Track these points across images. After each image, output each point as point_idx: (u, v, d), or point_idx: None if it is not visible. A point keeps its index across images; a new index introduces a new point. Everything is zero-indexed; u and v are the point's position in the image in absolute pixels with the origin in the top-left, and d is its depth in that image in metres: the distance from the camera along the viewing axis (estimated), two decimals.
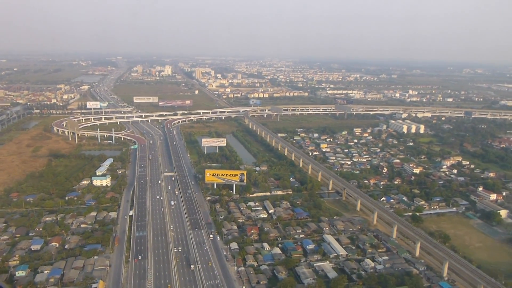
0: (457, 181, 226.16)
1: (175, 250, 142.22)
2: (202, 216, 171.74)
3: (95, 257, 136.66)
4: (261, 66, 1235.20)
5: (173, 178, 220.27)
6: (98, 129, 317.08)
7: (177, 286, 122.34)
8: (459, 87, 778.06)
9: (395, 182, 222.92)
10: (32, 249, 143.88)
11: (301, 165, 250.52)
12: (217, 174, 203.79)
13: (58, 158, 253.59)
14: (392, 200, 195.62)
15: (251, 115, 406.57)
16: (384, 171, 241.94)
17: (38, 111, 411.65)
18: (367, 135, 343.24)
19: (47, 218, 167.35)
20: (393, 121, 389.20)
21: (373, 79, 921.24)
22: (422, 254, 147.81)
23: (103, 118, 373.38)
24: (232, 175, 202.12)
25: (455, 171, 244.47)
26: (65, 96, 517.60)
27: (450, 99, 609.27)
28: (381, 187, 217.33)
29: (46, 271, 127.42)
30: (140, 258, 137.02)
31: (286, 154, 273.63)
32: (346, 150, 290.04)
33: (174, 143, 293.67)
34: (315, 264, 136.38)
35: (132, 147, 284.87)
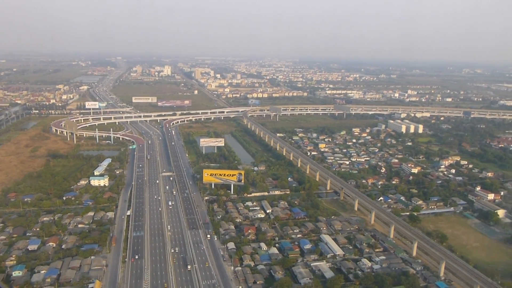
0: (455, 181, 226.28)
1: (172, 251, 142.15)
2: (199, 216, 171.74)
3: (92, 257, 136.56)
4: (260, 66, 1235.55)
5: (171, 178, 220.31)
6: (97, 129, 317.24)
7: (174, 286, 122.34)
8: (459, 87, 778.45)
9: (393, 182, 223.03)
10: (29, 249, 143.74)
11: (299, 165, 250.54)
12: (215, 174, 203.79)
13: (56, 158, 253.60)
14: (390, 200, 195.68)
15: (250, 115, 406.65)
16: (382, 171, 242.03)
17: (37, 111, 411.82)
18: (365, 135, 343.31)
19: (45, 218, 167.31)
20: (392, 121, 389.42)
21: (373, 79, 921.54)
22: (419, 254, 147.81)
23: (101, 118, 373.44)
24: (230, 175, 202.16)
25: (453, 170, 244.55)
26: (64, 97, 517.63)
27: (449, 99, 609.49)
28: (379, 187, 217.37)
29: (43, 271, 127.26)
30: (137, 258, 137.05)
31: (284, 154, 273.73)
32: (345, 150, 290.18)
33: (173, 143, 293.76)
34: (312, 264, 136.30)
35: (131, 147, 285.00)
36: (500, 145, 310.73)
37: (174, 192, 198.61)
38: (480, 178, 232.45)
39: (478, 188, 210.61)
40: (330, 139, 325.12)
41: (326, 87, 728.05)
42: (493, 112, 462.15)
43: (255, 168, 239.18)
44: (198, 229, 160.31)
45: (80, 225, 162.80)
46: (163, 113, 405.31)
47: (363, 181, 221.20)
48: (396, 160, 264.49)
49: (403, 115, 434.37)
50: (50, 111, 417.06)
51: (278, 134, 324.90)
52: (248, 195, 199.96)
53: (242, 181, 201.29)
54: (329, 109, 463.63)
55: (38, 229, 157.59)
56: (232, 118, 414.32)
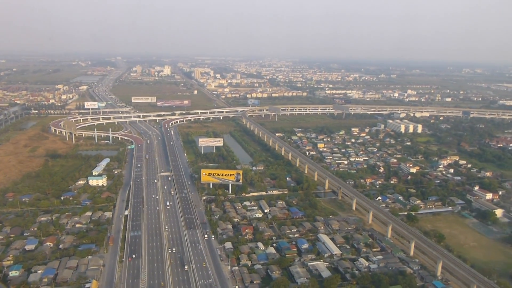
0: (454, 180, 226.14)
1: (170, 251, 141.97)
2: (197, 216, 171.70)
3: (89, 257, 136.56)
4: (260, 66, 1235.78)
5: (169, 178, 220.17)
6: (95, 129, 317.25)
7: (171, 286, 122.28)
8: (458, 87, 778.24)
9: (392, 182, 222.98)
10: (27, 249, 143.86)
11: (297, 165, 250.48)
12: (213, 174, 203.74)
13: (55, 158, 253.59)
14: (388, 200, 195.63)
15: (249, 115, 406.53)
16: (381, 171, 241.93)
17: (36, 111, 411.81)
18: (364, 134, 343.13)
19: (42, 218, 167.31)
20: (391, 121, 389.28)
21: (372, 79, 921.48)
22: (416, 253, 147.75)
23: (101, 118, 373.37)
24: (228, 174, 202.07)
25: (451, 170, 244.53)
26: (63, 97, 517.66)
27: (449, 99, 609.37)
28: (377, 186, 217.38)
29: (39, 271, 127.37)
30: (134, 257, 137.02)
31: (283, 154, 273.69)
32: (343, 150, 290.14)
33: (171, 143, 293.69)
34: (309, 264, 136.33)
35: (129, 147, 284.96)
36: (499, 145, 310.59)
37: (172, 192, 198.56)
38: (478, 177, 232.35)
39: (476, 188, 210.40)
40: (329, 139, 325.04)
41: (325, 87, 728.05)
42: (493, 112, 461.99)
43: (254, 168, 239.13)
44: (196, 229, 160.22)
45: (77, 225, 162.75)
46: (162, 113, 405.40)
47: (362, 180, 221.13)
48: (395, 160, 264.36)
49: (402, 115, 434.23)
50: (49, 111, 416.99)
51: (277, 134, 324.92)
52: (246, 195, 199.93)
53: (240, 181, 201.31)
54: (329, 109, 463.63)
55: (35, 229, 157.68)
56: (231, 118, 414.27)
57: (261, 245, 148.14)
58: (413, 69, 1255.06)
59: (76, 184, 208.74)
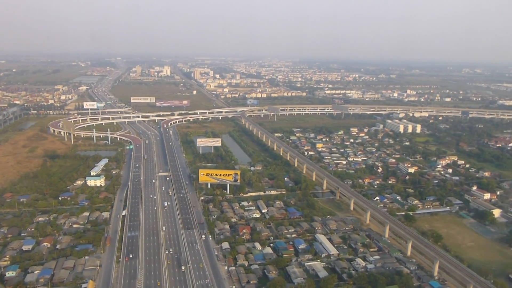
0: (452, 180, 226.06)
1: (167, 252, 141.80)
2: (195, 216, 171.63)
3: (86, 257, 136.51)
4: (260, 66, 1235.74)
5: (167, 178, 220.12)
6: (94, 129, 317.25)
7: (167, 286, 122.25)
8: (458, 86, 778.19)
9: (390, 182, 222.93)
10: (24, 249, 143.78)
11: (296, 165, 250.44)
12: (211, 174, 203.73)
13: (53, 158, 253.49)
14: (385, 200, 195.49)
15: (248, 115, 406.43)
16: (379, 171, 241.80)
17: (35, 112, 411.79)
18: (363, 134, 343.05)
19: (40, 219, 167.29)
20: (389, 121, 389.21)
21: (372, 79, 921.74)
22: (414, 253, 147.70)
23: (99, 119, 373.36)
24: (226, 174, 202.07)
25: (450, 170, 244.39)
26: (62, 97, 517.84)
27: (448, 99, 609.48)
28: (376, 186, 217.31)
29: (36, 271, 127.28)
30: (131, 257, 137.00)
31: (281, 154, 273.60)
32: (342, 150, 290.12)
33: (170, 143, 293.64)
34: (306, 264, 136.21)
35: (128, 147, 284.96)
36: (497, 145, 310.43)
37: (170, 193, 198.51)
38: (476, 177, 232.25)
39: (475, 188, 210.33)
40: (327, 139, 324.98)
41: (325, 87, 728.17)
42: (492, 112, 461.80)
43: (252, 168, 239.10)
44: (193, 229, 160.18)
45: (75, 225, 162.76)
46: (161, 113, 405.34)
47: (360, 181, 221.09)
48: (393, 160, 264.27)
49: (401, 115, 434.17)
50: (48, 111, 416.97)
51: (276, 134, 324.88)
52: (244, 195, 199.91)
53: (238, 181, 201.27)
54: (328, 109, 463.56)
55: (33, 229, 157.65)
56: (230, 118, 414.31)
57: (258, 245, 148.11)
58: (413, 69, 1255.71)
59: (74, 184, 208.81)
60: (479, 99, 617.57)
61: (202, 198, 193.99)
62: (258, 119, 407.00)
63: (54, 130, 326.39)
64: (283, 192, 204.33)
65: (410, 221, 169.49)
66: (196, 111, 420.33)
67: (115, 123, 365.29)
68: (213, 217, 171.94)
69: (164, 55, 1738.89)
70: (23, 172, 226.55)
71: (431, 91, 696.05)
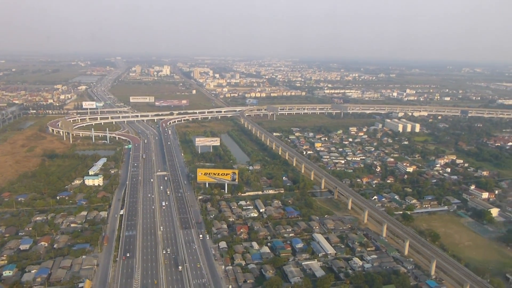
0: (450, 179, 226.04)
1: (164, 252, 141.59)
2: (192, 216, 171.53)
3: (83, 256, 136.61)
4: (260, 66, 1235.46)
5: (165, 177, 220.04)
6: (93, 129, 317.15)
7: (164, 285, 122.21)
8: (458, 86, 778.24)
9: (388, 181, 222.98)
10: (21, 248, 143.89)
11: (294, 164, 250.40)
12: (209, 173, 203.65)
13: (52, 158, 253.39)
14: (384, 199, 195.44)
15: (247, 114, 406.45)
16: (378, 170, 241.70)
17: (34, 111, 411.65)
18: (362, 134, 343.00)
19: (38, 218, 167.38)
20: (389, 120, 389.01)
21: (372, 78, 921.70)
22: (411, 252, 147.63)
23: (98, 118, 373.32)
24: (224, 174, 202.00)
25: (448, 169, 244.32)
26: (62, 97, 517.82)
27: (448, 98, 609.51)
28: (374, 185, 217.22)
29: (33, 271, 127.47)
30: (128, 256, 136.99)
31: (280, 153, 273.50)
32: (341, 149, 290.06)
33: (169, 143, 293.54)
34: (303, 263, 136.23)
35: (126, 146, 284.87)
36: (496, 144, 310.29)
37: (168, 192, 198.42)
38: (475, 177, 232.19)
39: (473, 187, 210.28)
40: (326, 138, 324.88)
41: (324, 86, 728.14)
42: (491, 111, 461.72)
43: (250, 168, 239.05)
44: (191, 229, 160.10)
45: (72, 225, 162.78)
46: (160, 113, 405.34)
47: (358, 180, 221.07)
48: (392, 159, 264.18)
49: (400, 114, 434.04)
50: (47, 111, 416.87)
51: (274, 134, 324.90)
52: (242, 194, 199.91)
53: (236, 181, 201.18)
54: (327, 109, 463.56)
55: (30, 228, 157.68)
56: (229, 118, 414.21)
57: (255, 245, 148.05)
58: (413, 68, 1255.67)
59: (72, 184, 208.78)
60: (479, 98, 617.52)
61: (200, 197, 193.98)
62: (257, 119, 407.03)
63: (53, 130, 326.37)
64: (281, 192, 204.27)
65: (408, 221, 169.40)
66: (195, 111, 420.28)
67: (114, 123, 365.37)
68: (211, 216, 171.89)
69: (164, 55, 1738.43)
70: (22, 171, 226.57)
71: (431, 91, 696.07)
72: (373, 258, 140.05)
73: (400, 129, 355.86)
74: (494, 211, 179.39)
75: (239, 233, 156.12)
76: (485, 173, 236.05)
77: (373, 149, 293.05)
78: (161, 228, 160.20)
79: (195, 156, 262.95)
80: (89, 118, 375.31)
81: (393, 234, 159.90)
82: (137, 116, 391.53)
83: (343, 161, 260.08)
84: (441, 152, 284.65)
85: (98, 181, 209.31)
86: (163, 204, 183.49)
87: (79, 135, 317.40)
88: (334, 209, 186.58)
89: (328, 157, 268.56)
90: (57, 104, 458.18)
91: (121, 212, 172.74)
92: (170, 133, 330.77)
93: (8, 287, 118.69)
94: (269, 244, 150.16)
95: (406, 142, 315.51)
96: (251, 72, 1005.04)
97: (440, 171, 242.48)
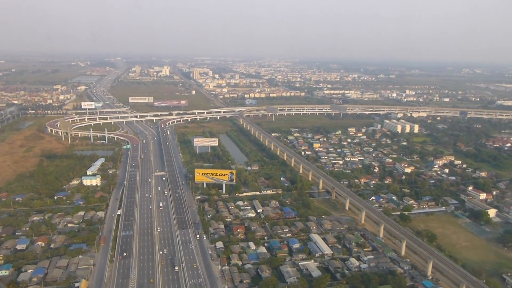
0: (448, 180, 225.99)
1: (161, 253, 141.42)
2: (190, 216, 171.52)
3: (80, 256, 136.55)
4: (259, 67, 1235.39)
5: (163, 178, 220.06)
6: (91, 129, 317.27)
7: (160, 285, 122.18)
8: (457, 87, 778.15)
9: (386, 182, 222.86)
10: (18, 248, 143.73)
11: (292, 165, 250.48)
12: (207, 173, 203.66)
13: (50, 158, 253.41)
14: (381, 200, 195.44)
15: (246, 115, 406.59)
16: (376, 171, 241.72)
17: (33, 111, 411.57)
18: (361, 134, 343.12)
19: (35, 218, 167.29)
20: (387, 121, 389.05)
21: (371, 79, 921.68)
22: (408, 253, 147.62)
23: (97, 118, 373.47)
24: (222, 174, 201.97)
25: (446, 170, 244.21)
26: (61, 97, 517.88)
27: (447, 99, 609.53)
28: (372, 186, 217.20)
29: (29, 270, 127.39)
30: (124, 255, 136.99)
31: (278, 154, 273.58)
32: (339, 150, 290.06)
33: (167, 143, 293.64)
34: (299, 263, 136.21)
35: (125, 147, 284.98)
36: (495, 145, 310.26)
37: (166, 192, 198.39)
38: (473, 177, 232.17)
39: (471, 188, 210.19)
40: (325, 139, 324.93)
41: (324, 87, 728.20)
42: (490, 112, 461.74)
43: (248, 168, 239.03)
44: (188, 229, 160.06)
45: (69, 225, 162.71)
46: (159, 113, 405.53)
47: (356, 180, 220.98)
48: (390, 160, 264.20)
49: (399, 115, 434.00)
50: (46, 111, 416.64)
51: (273, 134, 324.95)
52: (240, 195, 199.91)
53: (234, 181, 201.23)
54: (326, 109, 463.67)
55: (27, 228, 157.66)
56: (228, 118, 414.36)
57: (252, 245, 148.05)
58: (413, 69, 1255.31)
59: (70, 184, 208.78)
60: (478, 99, 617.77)
61: (197, 197, 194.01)
62: (256, 119, 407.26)
63: (51, 130, 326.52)
64: (279, 192, 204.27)
65: (405, 221, 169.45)
66: (194, 111, 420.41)
67: (113, 123, 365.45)
68: (208, 216, 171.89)
69: (163, 55, 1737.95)
70: (20, 171, 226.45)
71: (430, 91, 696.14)
72: (369, 259, 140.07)
73: (399, 130, 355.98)
74: (492, 212, 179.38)
75: (236, 233, 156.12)
76: (483, 174, 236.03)
77: (371, 149, 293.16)
78: (158, 228, 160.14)
79: (194, 156, 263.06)
80: (88, 119, 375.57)
81: (390, 234, 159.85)
82: (136, 116, 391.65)
83: (341, 162, 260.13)
84: (439, 153, 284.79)
85: (96, 181, 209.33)
86: (161, 204, 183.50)
87: (78, 135, 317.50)
88: (331, 210, 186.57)
89: (326, 157, 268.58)
90: (56, 105, 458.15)
91: (119, 212, 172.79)
92: (168, 133, 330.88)
93: (5, 287, 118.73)
94: (266, 244, 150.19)
95: (404, 143, 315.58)
96: (250, 73, 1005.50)
97: (438, 172, 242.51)
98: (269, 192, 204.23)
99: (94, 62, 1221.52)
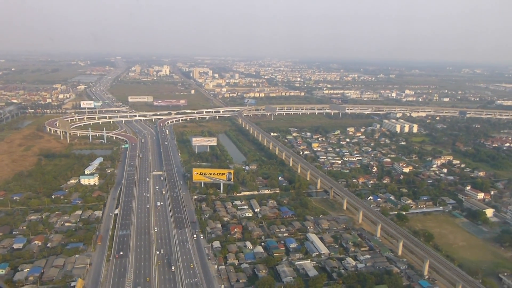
0: (446, 180, 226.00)
1: (158, 252, 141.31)
2: (187, 215, 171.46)
3: (76, 255, 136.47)
4: (259, 66, 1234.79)
5: (161, 177, 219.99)
6: (90, 128, 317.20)
7: (157, 284, 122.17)
8: (457, 87, 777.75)
9: (384, 181, 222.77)
10: (14, 247, 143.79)
11: (291, 164, 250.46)
12: (205, 173, 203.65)
13: (49, 157, 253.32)
14: (379, 199, 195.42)
15: (245, 114, 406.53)
16: (374, 170, 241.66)
17: (32, 110, 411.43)
18: (360, 134, 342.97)
19: (32, 217, 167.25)
20: (386, 121, 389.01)
21: (371, 79, 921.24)
22: (405, 253, 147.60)
23: (96, 118, 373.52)
24: (219, 174, 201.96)
25: (445, 170, 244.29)
26: (60, 96, 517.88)
27: (446, 99, 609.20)
28: (370, 186, 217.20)
29: (26, 270, 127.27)
30: (121, 254, 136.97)
31: (277, 153, 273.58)
32: (338, 150, 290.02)
33: (166, 143, 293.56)
34: (296, 263, 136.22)
35: (123, 146, 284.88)
36: (494, 145, 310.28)
37: (164, 192, 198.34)
38: (471, 177, 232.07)
39: (468, 188, 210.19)
40: (324, 139, 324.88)
41: (323, 87, 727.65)
42: (489, 112, 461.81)
43: (246, 167, 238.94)
44: (185, 228, 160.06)
45: (67, 224, 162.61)
46: (158, 113, 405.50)
47: (354, 180, 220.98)
48: (389, 160, 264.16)
49: (398, 115, 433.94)
50: (45, 110, 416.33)
51: (272, 134, 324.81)
52: (238, 194, 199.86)
53: (232, 180, 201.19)
54: (325, 109, 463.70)
55: (24, 227, 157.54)
56: (227, 118, 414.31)
57: (249, 244, 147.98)
58: (412, 69, 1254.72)
59: (68, 183, 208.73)
60: (478, 99, 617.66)
61: (195, 197, 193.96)
62: (255, 119, 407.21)
63: (50, 129, 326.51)
64: (277, 191, 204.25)
65: (403, 221, 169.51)
66: (193, 111, 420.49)
67: (112, 122, 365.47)
68: (206, 216, 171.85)
69: (163, 55, 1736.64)
70: (18, 170, 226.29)
71: (430, 91, 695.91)
72: (366, 258, 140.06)
73: (398, 129, 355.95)
74: (489, 212, 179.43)
75: (233, 232, 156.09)
76: (481, 173, 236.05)
77: (370, 149, 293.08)
78: (155, 228, 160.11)
79: (192, 155, 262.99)
80: (87, 118, 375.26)
81: (388, 234, 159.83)
82: (135, 115, 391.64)
83: (339, 161, 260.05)
84: (438, 153, 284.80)
85: (94, 181, 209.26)
86: (158, 203, 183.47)
87: (77, 134, 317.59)
88: (329, 209, 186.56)
89: (325, 157, 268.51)
90: (56, 104, 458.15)
91: (116, 211, 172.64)
92: (167, 132, 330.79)
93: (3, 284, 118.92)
94: (263, 243, 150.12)
95: (403, 143, 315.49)
96: (250, 72, 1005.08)
97: (437, 172, 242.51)
98: (267, 191, 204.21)
99: (94, 62, 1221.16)
